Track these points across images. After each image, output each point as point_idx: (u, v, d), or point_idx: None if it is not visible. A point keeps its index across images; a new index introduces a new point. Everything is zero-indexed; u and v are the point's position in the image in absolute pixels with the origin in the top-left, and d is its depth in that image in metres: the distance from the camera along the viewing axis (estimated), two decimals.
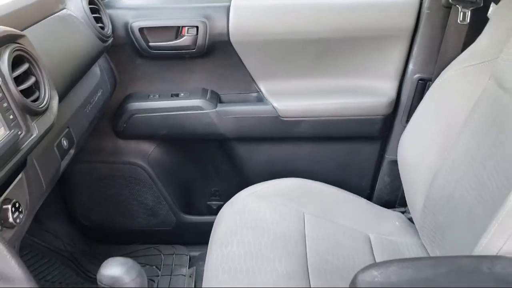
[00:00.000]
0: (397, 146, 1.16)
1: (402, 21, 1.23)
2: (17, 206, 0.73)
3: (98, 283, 0.68)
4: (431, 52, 1.22)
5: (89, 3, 1.14)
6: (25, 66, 0.76)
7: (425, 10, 1.20)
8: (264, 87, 1.37)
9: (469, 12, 1.10)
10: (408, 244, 1.10)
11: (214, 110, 1.34)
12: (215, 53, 1.32)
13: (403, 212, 1.25)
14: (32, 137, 0.74)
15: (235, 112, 1.35)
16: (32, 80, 0.77)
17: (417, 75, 1.26)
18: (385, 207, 1.25)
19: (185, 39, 1.28)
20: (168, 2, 1.34)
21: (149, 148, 1.46)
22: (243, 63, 1.33)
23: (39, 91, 0.79)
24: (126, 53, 1.33)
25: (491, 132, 0.87)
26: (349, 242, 1.06)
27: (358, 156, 1.44)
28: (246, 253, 0.98)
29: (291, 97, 1.34)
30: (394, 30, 1.25)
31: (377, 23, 1.25)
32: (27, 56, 0.77)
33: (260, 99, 1.37)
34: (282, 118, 1.34)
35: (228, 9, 1.26)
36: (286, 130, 1.36)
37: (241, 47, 1.29)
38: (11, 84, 0.71)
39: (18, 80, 0.74)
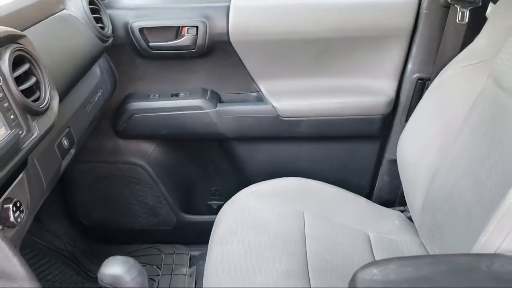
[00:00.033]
0: (397, 145, 1.17)
1: (401, 21, 1.24)
2: (18, 205, 0.73)
3: (99, 282, 0.68)
4: (430, 51, 1.22)
5: (89, 4, 1.14)
6: (25, 66, 0.77)
7: (424, 10, 1.20)
8: (263, 86, 1.37)
9: (468, 11, 1.11)
10: (408, 242, 1.10)
11: (214, 109, 1.35)
12: (215, 53, 1.32)
13: (402, 211, 1.25)
14: (33, 136, 0.74)
15: (235, 111, 1.36)
16: (32, 80, 0.78)
17: (416, 75, 1.26)
18: (385, 206, 1.26)
19: (185, 39, 1.28)
20: (168, 2, 1.35)
21: (149, 147, 1.47)
22: (243, 63, 1.33)
23: (39, 91, 0.79)
24: (126, 53, 1.33)
25: (489, 131, 0.87)
26: (349, 241, 1.07)
27: (358, 155, 1.44)
28: (246, 252, 0.98)
29: (291, 96, 1.35)
30: (393, 30, 1.25)
31: (376, 23, 1.25)
32: (28, 56, 0.77)
33: (260, 99, 1.38)
34: (282, 118, 1.35)
35: (227, 9, 1.26)
36: (286, 129, 1.36)
37: (240, 47, 1.30)
38: (12, 84, 0.71)
39: (19, 80, 0.74)
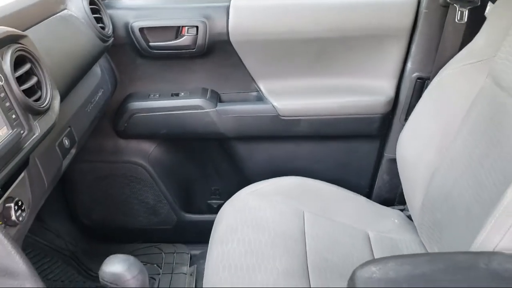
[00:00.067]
0: (396, 145, 1.17)
1: (401, 21, 1.24)
2: (19, 204, 0.74)
3: (100, 280, 0.69)
4: (429, 51, 1.23)
5: (90, 4, 1.15)
6: (27, 66, 0.77)
7: (423, 9, 1.20)
8: (263, 86, 1.38)
9: (467, 11, 1.11)
10: (407, 241, 1.10)
11: (214, 109, 1.35)
12: (215, 52, 1.32)
13: (402, 210, 1.26)
14: (34, 136, 0.74)
15: (235, 111, 1.36)
16: (34, 80, 0.78)
17: (415, 74, 1.27)
18: (384, 205, 1.26)
19: (185, 39, 1.28)
20: (168, 2, 1.35)
21: (149, 147, 1.47)
22: (242, 63, 1.33)
23: (41, 91, 0.80)
24: (127, 53, 1.33)
25: (488, 130, 0.88)
26: (349, 240, 1.07)
27: (357, 154, 1.45)
28: (246, 251, 0.98)
29: (290, 96, 1.35)
30: (392, 29, 1.25)
31: (375, 22, 1.25)
32: (29, 56, 0.78)
33: (260, 98, 1.38)
34: (282, 117, 1.35)
35: (227, 9, 1.27)
36: (286, 129, 1.37)
37: (240, 46, 1.30)
38: (13, 84, 0.72)
39: (20, 80, 0.75)
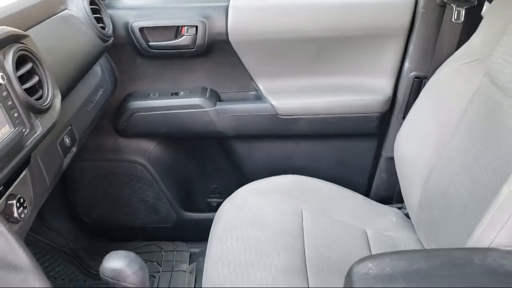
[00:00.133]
0: (394, 143, 1.17)
1: (398, 20, 1.25)
2: (21, 201, 0.75)
3: (101, 275, 0.69)
4: (426, 50, 1.23)
5: (90, 4, 1.16)
6: (28, 66, 0.78)
7: (420, 9, 1.21)
8: (262, 85, 1.38)
9: (463, 11, 1.12)
10: (405, 239, 1.11)
11: (213, 108, 1.36)
12: (214, 52, 1.33)
13: (399, 208, 1.26)
14: (35, 134, 0.75)
15: (234, 110, 1.37)
16: (35, 79, 0.79)
17: (413, 73, 1.28)
18: (383, 203, 1.26)
19: (184, 39, 1.29)
20: (167, 2, 1.36)
21: (149, 146, 1.48)
22: (241, 62, 1.34)
23: (42, 90, 0.80)
24: (127, 52, 1.34)
25: (484, 129, 0.88)
26: (347, 237, 1.07)
27: (356, 153, 1.45)
28: (245, 248, 0.99)
29: (289, 95, 1.36)
30: (390, 29, 1.26)
31: (373, 22, 1.26)
32: (31, 55, 0.79)
33: (259, 97, 1.39)
34: (281, 116, 1.36)
35: (226, 9, 1.27)
36: (285, 127, 1.37)
37: (239, 46, 1.31)
38: (15, 83, 0.72)
39: (22, 79, 0.76)
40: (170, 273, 1.44)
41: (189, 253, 1.53)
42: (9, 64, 0.72)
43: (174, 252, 1.52)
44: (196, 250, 1.55)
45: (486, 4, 1.04)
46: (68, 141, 0.98)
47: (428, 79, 1.11)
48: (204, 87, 1.40)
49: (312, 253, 1.00)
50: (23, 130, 0.73)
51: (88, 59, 1.08)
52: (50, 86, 0.81)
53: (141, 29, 1.29)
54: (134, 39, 1.30)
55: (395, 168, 1.17)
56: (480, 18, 1.01)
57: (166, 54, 1.33)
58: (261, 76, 1.38)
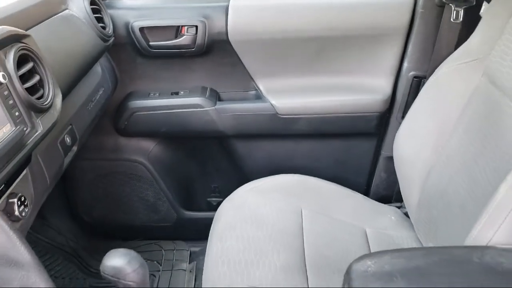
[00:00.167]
0: (393, 143, 1.18)
1: (397, 20, 1.25)
2: (22, 200, 0.75)
3: (102, 273, 0.70)
4: (425, 50, 1.24)
5: (91, 4, 1.16)
6: (29, 65, 0.79)
7: (419, 9, 1.22)
8: (262, 85, 1.39)
9: (462, 10, 1.12)
10: (404, 237, 1.11)
11: (213, 107, 1.36)
12: (214, 52, 1.34)
13: (399, 207, 1.27)
14: (36, 133, 0.76)
15: (234, 109, 1.37)
16: (36, 78, 0.80)
17: (412, 73, 1.28)
18: (382, 203, 1.27)
19: (184, 38, 1.30)
20: (167, 2, 1.36)
21: (149, 145, 1.48)
22: (241, 62, 1.35)
23: (43, 89, 0.81)
24: (127, 52, 1.34)
25: (483, 128, 0.88)
26: (346, 236, 1.08)
27: (355, 152, 1.45)
28: (245, 247, 0.99)
29: (289, 94, 1.36)
30: (389, 28, 1.27)
31: (372, 22, 1.26)
32: (32, 55, 0.79)
33: (259, 97, 1.39)
34: (280, 116, 1.36)
35: (226, 9, 1.28)
36: (284, 127, 1.38)
37: (239, 46, 1.31)
38: (16, 82, 0.73)
39: (23, 78, 0.76)
40: (170, 272, 1.45)
41: (189, 252, 1.53)
42: (10, 63, 0.73)
43: (174, 251, 1.53)
44: (196, 249, 1.55)
45: (484, 4, 1.05)
46: (68, 140, 0.99)
47: (427, 79, 1.12)
48: (204, 87, 1.41)
49: (311, 252, 1.01)
50: (24, 129, 0.73)
51: (89, 58, 1.09)
52: (51, 86, 0.82)
53: (142, 29, 1.29)
54: (134, 38, 1.30)
55: (394, 167, 1.17)
56: (478, 18, 1.01)
57: (166, 53, 1.34)
58: (261, 76, 1.38)
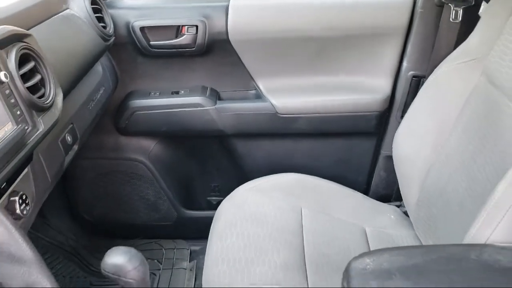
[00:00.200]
0: (392, 142, 1.18)
1: (397, 20, 1.25)
2: (24, 198, 0.76)
3: (102, 271, 0.70)
4: (424, 49, 1.24)
5: (92, 3, 1.17)
6: (31, 64, 0.79)
7: (418, 9, 1.22)
8: (262, 84, 1.39)
9: (461, 10, 1.13)
10: (403, 236, 1.12)
11: (213, 107, 1.36)
12: (214, 51, 1.34)
13: (398, 206, 1.27)
14: (38, 132, 0.76)
15: (234, 109, 1.37)
16: (38, 77, 0.80)
17: (411, 72, 1.28)
18: (381, 201, 1.27)
19: (185, 38, 1.30)
20: (168, 2, 1.36)
21: (150, 144, 1.49)
22: (241, 61, 1.35)
23: (44, 88, 0.81)
24: (128, 51, 1.35)
25: (482, 127, 0.89)
26: (346, 235, 1.08)
27: (355, 151, 1.46)
28: (245, 245, 1.00)
29: (288, 94, 1.36)
30: (388, 28, 1.27)
31: (372, 22, 1.27)
32: (33, 54, 0.80)
33: (259, 96, 1.40)
34: (280, 115, 1.37)
35: (226, 8, 1.28)
36: (284, 126, 1.38)
37: (239, 45, 1.32)
38: (18, 81, 0.74)
39: (25, 78, 0.77)
40: (171, 270, 1.45)
41: (189, 251, 1.54)
42: (12, 62, 0.73)
43: (175, 250, 1.53)
44: (197, 248, 1.55)
45: (483, 3, 1.05)
46: (69, 139, 0.99)
47: (426, 78, 1.12)
48: (204, 86, 1.41)
49: (311, 250, 1.01)
50: (26, 127, 0.73)
51: (90, 58, 1.09)
52: (52, 85, 0.82)
53: (142, 29, 1.30)
54: (135, 38, 1.31)
55: (393, 166, 1.18)
56: (477, 18, 1.02)
57: (167, 53, 1.34)
58: (261, 75, 1.38)
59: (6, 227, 0.48)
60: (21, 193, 0.76)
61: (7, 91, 0.71)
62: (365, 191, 1.50)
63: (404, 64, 1.29)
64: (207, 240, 1.10)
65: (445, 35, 1.17)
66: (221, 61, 1.36)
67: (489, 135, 0.86)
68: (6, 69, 0.72)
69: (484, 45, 0.95)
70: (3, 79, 0.70)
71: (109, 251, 0.71)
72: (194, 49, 1.31)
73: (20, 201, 0.74)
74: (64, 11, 1.08)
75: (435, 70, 1.08)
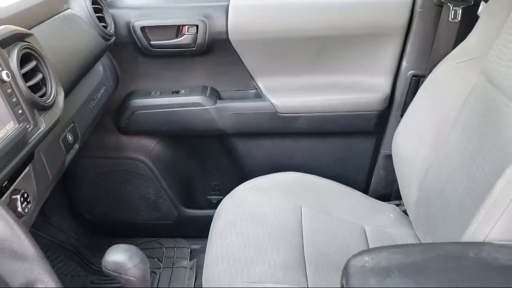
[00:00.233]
0: (392, 141, 1.19)
1: (396, 20, 1.26)
2: (25, 196, 0.76)
3: (103, 268, 0.71)
4: (424, 49, 1.24)
5: (93, 3, 1.17)
6: (32, 63, 0.80)
7: (418, 8, 1.22)
8: (262, 83, 1.39)
9: (460, 10, 1.13)
10: (402, 235, 1.12)
11: (213, 106, 1.37)
12: (214, 51, 1.34)
13: (398, 205, 1.27)
14: (39, 130, 0.76)
15: (234, 108, 1.38)
16: (39, 76, 0.81)
17: (410, 72, 1.28)
18: (381, 200, 1.28)
19: (185, 38, 1.30)
20: (168, 1, 1.37)
21: (150, 143, 1.49)
22: (241, 61, 1.35)
23: (45, 87, 0.82)
24: (128, 51, 1.35)
25: (481, 127, 0.89)
26: (345, 233, 1.09)
27: (354, 150, 1.46)
28: (245, 244, 1.00)
29: (288, 93, 1.37)
30: (388, 28, 1.27)
31: (372, 21, 1.27)
32: (35, 54, 0.80)
33: (259, 96, 1.40)
34: (280, 114, 1.37)
35: (227, 8, 1.29)
36: (284, 125, 1.38)
37: (239, 45, 1.32)
38: (19, 80, 0.74)
39: (26, 77, 0.77)
40: (171, 269, 1.46)
41: (189, 249, 1.54)
42: (13, 62, 0.74)
43: (175, 249, 1.53)
44: (197, 246, 1.56)
45: (482, 3, 1.05)
46: (70, 138, 1.00)
47: (426, 78, 1.12)
48: (205, 86, 1.42)
49: (311, 249, 1.02)
50: (27, 126, 0.74)
51: (90, 57, 1.10)
52: (53, 84, 0.83)
53: (143, 28, 1.30)
54: (135, 38, 1.31)
55: (393, 165, 1.18)
56: (476, 17, 1.02)
57: (167, 53, 1.34)
58: (261, 75, 1.39)
59: (8, 223, 0.49)
60: (22, 191, 0.76)
61: (9, 90, 0.72)
62: (365, 190, 1.50)
63: (404, 63, 1.29)
64: (207, 239, 1.10)
65: (444, 35, 1.17)
66: (221, 60, 1.37)
67: (488, 134, 0.86)
68: (8, 68, 0.73)
69: (483, 45, 0.96)
70: (5, 78, 0.70)
71: (109, 248, 0.71)
72: (194, 48, 1.32)
73: (22, 199, 0.75)
74: (65, 11, 1.09)
75: (434, 69, 1.08)
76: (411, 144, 1.10)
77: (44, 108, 0.79)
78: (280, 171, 1.27)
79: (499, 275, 0.64)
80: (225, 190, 1.25)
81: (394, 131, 1.18)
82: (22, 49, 0.77)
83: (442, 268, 0.65)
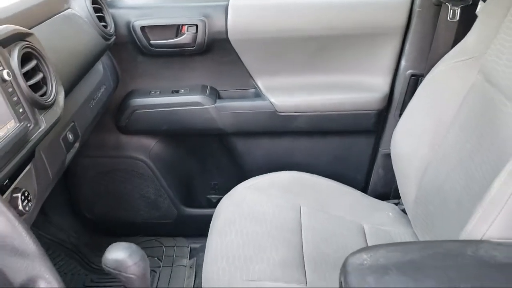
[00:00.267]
0: (391, 140, 1.19)
1: (395, 19, 1.26)
2: (26, 194, 0.77)
3: (103, 266, 0.71)
4: (422, 48, 1.25)
5: (93, 3, 1.17)
6: (33, 63, 0.80)
7: (416, 8, 1.22)
8: (261, 83, 1.40)
9: (459, 9, 1.13)
10: (401, 233, 1.12)
11: (213, 105, 1.37)
12: (214, 50, 1.35)
13: (396, 204, 1.27)
14: (40, 129, 0.77)
15: (234, 107, 1.38)
16: (40, 76, 0.81)
17: (409, 71, 1.29)
18: (380, 199, 1.28)
19: (185, 37, 1.31)
20: (168, 1, 1.37)
21: (150, 143, 1.49)
22: (241, 60, 1.36)
23: (46, 86, 0.82)
24: (128, 51, 1.36)
25: (479, 125, 0.89)
26: (344, 232, 1.09)
27: (353, 149, 1.46)
28: (244, 242, 1.01)
29: (288, 92, 1.37)
30: (387, 28, 1.27)
31: (370, 21, 1.27)
32: (35, 53, 0.81)
33: (258, 95, 1.40)
34: (279, 113, 1.37)
35: (226, 8, 1.29)
36: (283, 124, 1.39)
37: (239, 44, 1.32)
38: (20, 80, 0.75)
39: (27, 76, 0.78)
40: (171, 268, 1.46)
41: (189, 248, 1.54)
42: (14, 61, 0.74)
43: (175, 248, 1.54)
44: (196, 245, 1.56)
45: (480, 3, 1.06)
46: (71, 137, 1.00)
47: (424, 77, 1.13)
48: (204, 85, 1.42)
49: (310, 247, 1.02)
50: (28, 125, 0.74)
51: (90, 57, 1.10)
52: (54, 83, 0.83)
53: (143, 28, 1.31)
54: (135, 37, 1.32)
55: (392, 164, 1.18)
56: (475, 17, 1.02)
57: (167, 52, 1.35)
58: (260, 74, 1.39)
59: (9, 220, 0.49)
60: (23, 189, 0.76)
61: (10, 89, 0.72)
62: (364, 189, 1.50)
63: (402, 63, 1.30)
64: (206, 238, 1.10)
65: (443, 34, 1.17)
66: (221, 60, 1.37)
67: (486, 133, 0.87)
68: (9, 67, 0.73)
69: (481, 44, 0.96)
70: (6, 77, 0.71)
71: (110, 246, 0.72)
72: (194, 48, 1.32)
73: (23, 197, 0.75)
74: (66, 11, 1.09)
75: (433, 68, 1.09)
76: (409, 143, 1.11)
77: (44, 107, 0.79)
78: (279, 170, 1.27)
79: (496, 273, 0.64)
80: (225, 189, 1.25)
81: (393, 130, 1.18)
82: (23, 48, 0.77)
83: (440, 266, 0.65)
